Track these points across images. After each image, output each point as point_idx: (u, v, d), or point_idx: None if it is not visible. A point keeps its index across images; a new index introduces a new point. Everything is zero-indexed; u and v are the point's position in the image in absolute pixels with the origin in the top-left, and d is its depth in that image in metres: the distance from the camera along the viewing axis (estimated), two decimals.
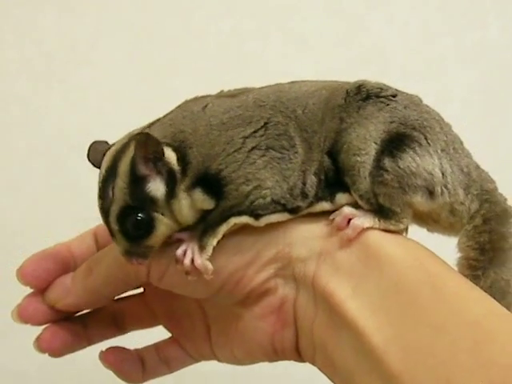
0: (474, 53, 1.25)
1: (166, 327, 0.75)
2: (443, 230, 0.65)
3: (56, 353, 0.70)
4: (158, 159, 0.60)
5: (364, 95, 0.63)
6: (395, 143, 0.61)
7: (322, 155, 0.62)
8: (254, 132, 0.62)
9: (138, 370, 0.73)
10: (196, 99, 0.66)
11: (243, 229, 0.62)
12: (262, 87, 0.66)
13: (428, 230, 0.66)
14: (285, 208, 0.62)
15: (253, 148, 0.62)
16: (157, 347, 0.74)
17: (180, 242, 0.62)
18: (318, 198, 0.62)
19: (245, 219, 0.61)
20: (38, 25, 1.23)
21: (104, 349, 0.73)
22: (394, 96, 0.64)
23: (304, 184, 0.62)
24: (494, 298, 0.57)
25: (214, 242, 0.61)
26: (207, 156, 0.61)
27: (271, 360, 0.67)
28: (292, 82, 0.67)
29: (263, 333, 0.64)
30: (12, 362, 1.10)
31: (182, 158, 0.61)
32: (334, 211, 0.62)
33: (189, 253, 0.61)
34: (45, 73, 1.22)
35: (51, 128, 1.19)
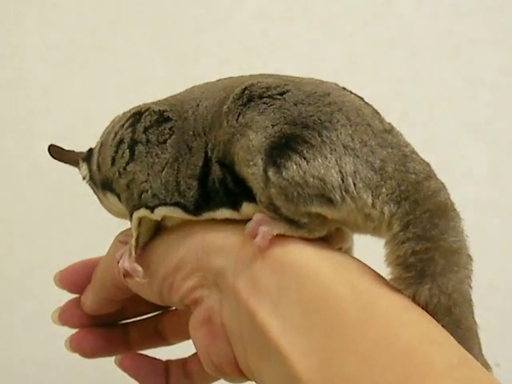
0: (505, 34, 1.21)
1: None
2: (375, 235, 0.55)
3: (85, 353, 0.73)
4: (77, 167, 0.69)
5: (245, 99, 0.56)
6: (279, 149, 0.53)
7: (210, 163, 0.58)
8: (122, 125, 0.63)
9: (159, 380, 0.73)
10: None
11: (170, 235, 0.61)
12: (190, 87, 0.65)
13: (369, 235, 0.56)
14: (166, 202, 0.59)
15: (119, 142, 0.62)
16: (184, 361, 0.73)
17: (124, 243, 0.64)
18: (218, 204, 0.57)
19: (143, 212, 0.60)
20: (59, 10, 1.21)
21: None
22: (282, 94, 0.55)
23: (177, 183, 0.59)
24: (437, 317, 0.49)
25: (133, 241, 0.61)
26: (101, 162, 0.65)
27: (220, 377, 0.62)
28: (220, 80, 0.63)
29: (199, 344, 0.60)
30: (37, 352, 1.10)
31: (90, 168, 0.67)
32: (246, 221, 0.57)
33: (124, 255, 0.62)
34: (66, 59, 1.21)
35: (73, 114, 1.19)
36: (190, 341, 0.66)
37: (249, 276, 0.53)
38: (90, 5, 1.21)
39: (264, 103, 0.55)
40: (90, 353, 0.73)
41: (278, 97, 0.55)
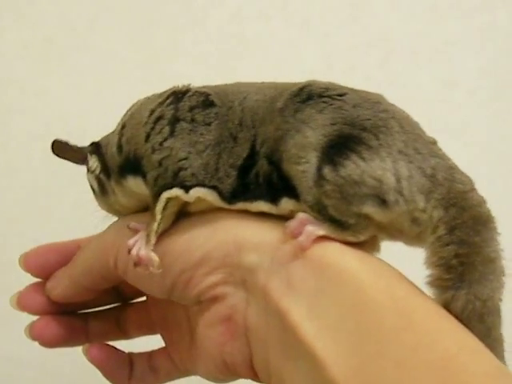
0: (481, 38, 1.22)
1: (161, 335, 0.73)
2: (413, 241, 0.56)
3: (46, 342, 0.70)
4: (84, 163, 0.67)
5: (304, 96, 0.57)
6: (337, 148, 0.54)
7: (256, 157, 0.58)
8: (161, 103, 0.62)
9: (124, 372, 0.70)
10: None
11: (194, 226, 0.59)
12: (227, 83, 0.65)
13: (404, 243, 0.57)
14: (204, 184, 0.59)
15: (158, 118, 0.61)
16: (150, 355, 0.72)
17: (136, 231, 0.61)
18: (256, 197, 0.58)
19: (175, 192, 0.59)
20: (35, 8, 1.21)
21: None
22: (341, 95, 0.56)
23: (217, 169, 0.59)
24: (470, 324, 0.51)
25: (155, 226, 0.59)
26: (125, 142, 0.63)
27: (226, 376, 0.61)
28: (255, 82, 0.64)
29: (212, 343, 0.59)
30: (11, 350, 1.09)
31: (103, 158, 0.66)
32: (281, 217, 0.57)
33: (138, 243, 0.59)
34: (43, 56, 1.20)
35: (50, 112, 1.18)
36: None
37: (284, 276, 0.53)
38: (67, 2, 1.21)
39: (323, 102, 0.56)
40: (51, 342, 0.70)
41: (338, 97, 0.56)
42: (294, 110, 0.57)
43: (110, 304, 0.75)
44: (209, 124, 0.60)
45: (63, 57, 1.20)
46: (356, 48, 1.19)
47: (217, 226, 0.58)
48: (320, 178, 0.54)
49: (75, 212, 1.09)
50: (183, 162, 0.59)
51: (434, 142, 0.56)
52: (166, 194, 0.59)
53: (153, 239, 0.59)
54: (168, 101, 0.61)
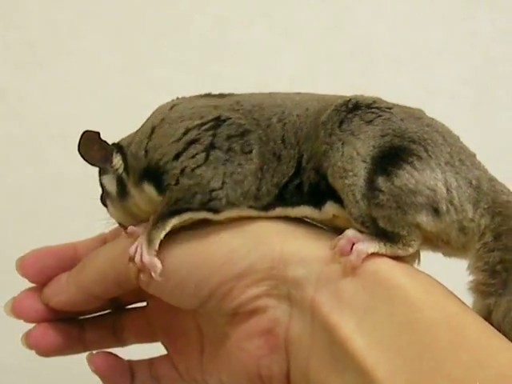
0: (463, 45, 1.23)
1: (163, 344, 0.71)
2: (456, 252, 0.58)
3: (44, 351, 0.68)
4: (107, 161, 0.63)
5: (351, 106, 0.57)
6: (389, 159, 0.55)
7: (302, 172, 0.58)
8: (200, 125, 0.60)
9: (126, 381, 0.69)
10: (180, 98, 0.65)
11: (233, 236, 0.58)
12: (257, 93, 0.63)
13: (443, 254, 0.59)
14: (239, 207, 0.58)
15: (193, 141, 0.59)
16: (150, 363, 0.70)
17: (133, 235, 0.60)
18: (298, 202, 0.58)
19: (202, 215, 0.58)
20: (18, 11, 1.20)
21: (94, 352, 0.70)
22: (389, 108, 0.58)
23: (258, 190, 0.58)
24: (509, 332, 0.52)
25: (162, 235, 0.58)
26: (153, 148, 0.61)
27: None
28: (291, 92, 0.63)
29: (248, 355, 0.58)
30: None
31: (125, 158, 0.63)
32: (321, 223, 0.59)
33: (139, 249, 0.58)
34: (26, 61, 1.19)
35: (32, 117, 1.17)
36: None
37: (333, 291, 0.53)
38: (50, 6, 1.20)
39: (372, 113, 0.57)
40: (48, 351, 0.68)
41: (387, 110, 0.57)
42: (340, 120, 0.57)
43: (105, 310, 0.72)
44: (249, 152, 0.59)
45: (46, 61, 1.19)
46: (338, 55, 1.20)
47: (260, 238, 0.57)
48: (372, 188, 0.55)
49: (57, 216, 1.09)
50: (217, 192, 0.58)
51: (474, 155, 0.58)
52: (190, 215, 0.59)
53: (156, 245, 0.58)
54: (207, 125, 0.60)
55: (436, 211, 0.55)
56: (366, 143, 0.56)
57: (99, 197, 0.67)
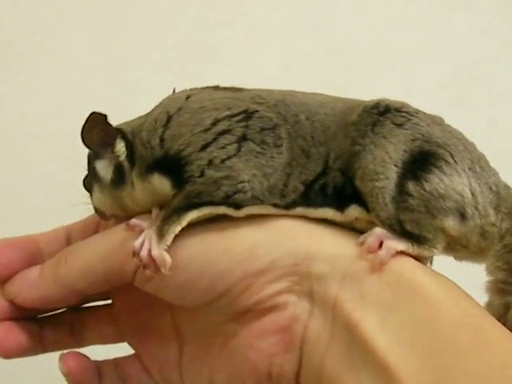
0: (441, 46, 1.24)
1: (130, 344, 0.68)
2: (472, 255, 0.59)
3: (8, 353, 0.63)
4: (108, 145, 0.60)
5: (382, 109, 0.58)
6: (419, 163, 0.56)
7: (328, 171, 0.58)
8: (230, 116, 0.58)
9: (94, 383, 0.65)
10: (191, 89, 0.63)
11: (255, 232, 0.57)
12: (272, 89, 0.63)
13: (455, 257, 0.60)
14: (263, 203, 0.57)
15: (224, 131, 0.57)
16: (116, 363, 0.67)
17: (135, 229, 0.58)
18: (321, 204, 0.57)
19: (222, 209, 0.56)
20: None
21: (65, 351, 0.65)
22: (416, 112, 0.59)
23: (285, 186, 0.57)
24: None
25: (177, 229, 0.55)
26: (171, 137, 0.58)
27: None
28: (307, 92, 0.63)
29: (260, 353, 0.57)
30: None
31: (131, 148, 0.60)
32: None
33: (146, 243, 0.56)
34: (3, 61, 1.19)
35: (10, 117, 1.17)
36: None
37: (358, 288, 0.53)
38: (28, 7, 1.20)
39: (402, 116, 0.58)
40: (11, 351, 0.63)
41: (415, 114, 0.58)
42: (372, 123, 0.57)
43: (63, 308, 0.68)
44: (280, 145, 0.58)
45: (23, 61, 1.19)
46: (317, 55, 1.20)
47: (285, 234, 0.57)
48: (402, 192, 0.55)
49: (34, 215, 1.08)
50: (244, 184, 0.56)
51: (488, 161, 0.60)
52: (209, 209, 0.57)
53: (169, 240, 0.55)
54: (239, 117, 0.58)
55: (462, 216, 0.56)
56: (398, 147, 0.56)
57: (82, 180, 0.65)
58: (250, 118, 0.58)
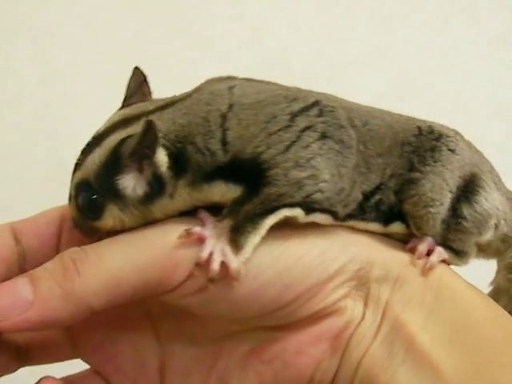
0: (378, 59, 1.26)
1: (88, 362, 0.61)
2: (487, 256, 0.66)
3: None
4: (146, 157, 0.52)
5: (437, 134, 0.60)
6: (469, 187, 0.60)
7: (384, 186, 0.58)
8: (305, 110, 0.55)
9: None
10: (221, 79, 0.59)
11: (323, 237, 0.55)
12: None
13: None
14: (327, 210, 0.55)
15: (306, 128, 0.54)
16: (68, 382, 0.58)
17: (192, 237, 0.52)
18: (371, 219, 0.59)
19: (296, 212, 0.53)
20: None
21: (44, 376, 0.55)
22: (456, 134, 0.62)
23: (349, 193, 0.56)
24: None
25: (257, 239, 0.52)
26: (238, 139, 0.53)
27: None
28: (346, 99, 0.61)
29: (308, 359, 0.56)
30: None
31: (181, 156, 0.54)
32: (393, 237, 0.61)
33: (217, 255, 0.51)
34: None
35: None
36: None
37: (406, 291, 0.56)
38: None
39: (452, 141, 0.60)
40: None
41: (458, 138, 0.61)
42: (431, 148, 0.59)
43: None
44: (352, 147, 0.56)
45: None
46: (256, 68, 1.20)
47: (347, 240, 0.57)
48: (456, 216, 0.59)
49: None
50: (324, 184, 0.54)
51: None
52: (285, 212, 0.53)
53: (249, 251, 0.52)
54: (314, 111, 0.56)
55: (496, 228, 0.62)
56: (454, 174, 0.59)
57: (73, 220, 0.56)
58: (322, 112, 0.56)
